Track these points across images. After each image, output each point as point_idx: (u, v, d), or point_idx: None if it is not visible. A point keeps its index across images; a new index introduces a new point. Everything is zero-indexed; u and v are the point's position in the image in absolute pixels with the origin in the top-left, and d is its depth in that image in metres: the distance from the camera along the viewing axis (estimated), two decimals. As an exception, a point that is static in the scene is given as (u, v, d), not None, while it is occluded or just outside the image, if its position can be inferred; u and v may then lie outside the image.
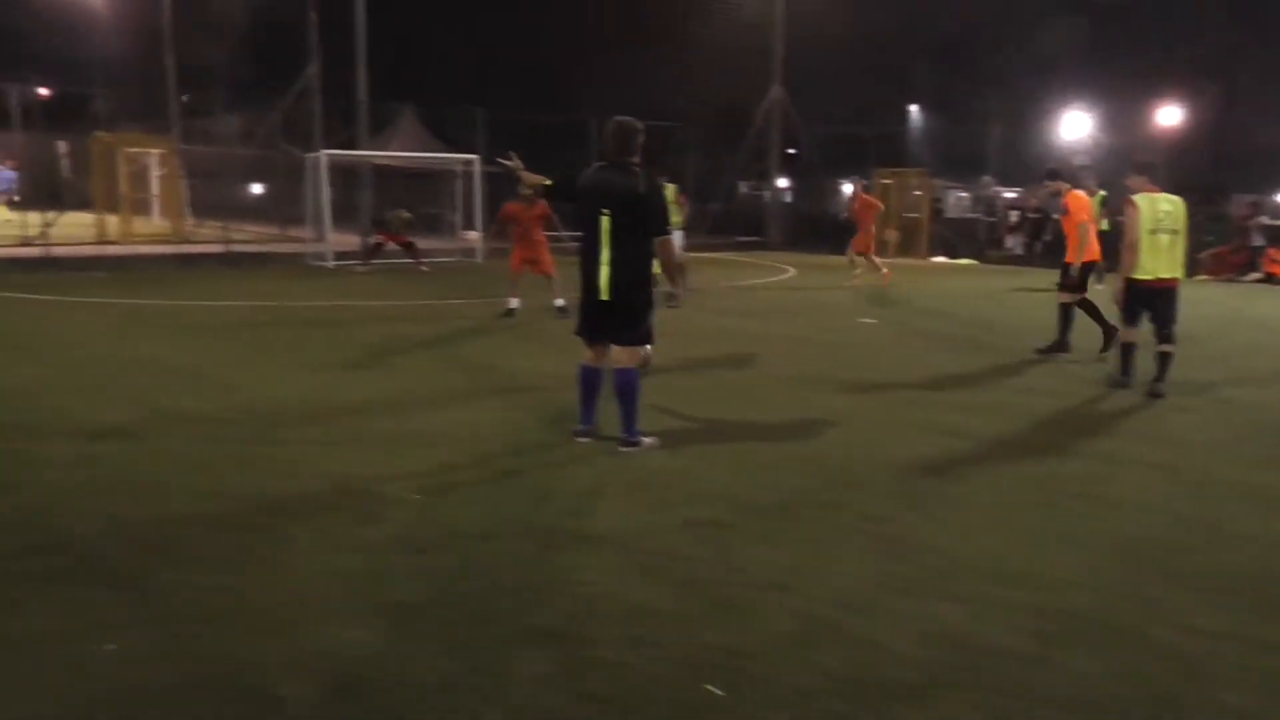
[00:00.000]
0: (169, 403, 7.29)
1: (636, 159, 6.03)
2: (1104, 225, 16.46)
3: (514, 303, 12.41)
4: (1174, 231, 8.18)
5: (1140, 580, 4.22)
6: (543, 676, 3.33)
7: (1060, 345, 10.02)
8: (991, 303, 15.55)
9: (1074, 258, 9.79)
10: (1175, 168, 28.88)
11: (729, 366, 9.33)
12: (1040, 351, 10.09)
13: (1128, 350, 8.44)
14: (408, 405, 7.39)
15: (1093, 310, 9.88)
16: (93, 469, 5.62)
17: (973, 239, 25.69)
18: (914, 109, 45.49)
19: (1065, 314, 10.02)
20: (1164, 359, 8.21)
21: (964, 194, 33.77)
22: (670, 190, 14.89)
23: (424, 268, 18.81)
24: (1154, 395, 8.06)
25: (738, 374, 8.97)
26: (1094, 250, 9.96)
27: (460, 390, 7.96)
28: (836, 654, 3.51)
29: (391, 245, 19.01)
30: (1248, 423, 7.31)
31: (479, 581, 4.10)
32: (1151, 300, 8.24)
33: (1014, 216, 25.20)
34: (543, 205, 12.24)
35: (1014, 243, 24.48)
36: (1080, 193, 10.18)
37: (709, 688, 3.27)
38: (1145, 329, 8.35)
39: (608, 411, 6.28)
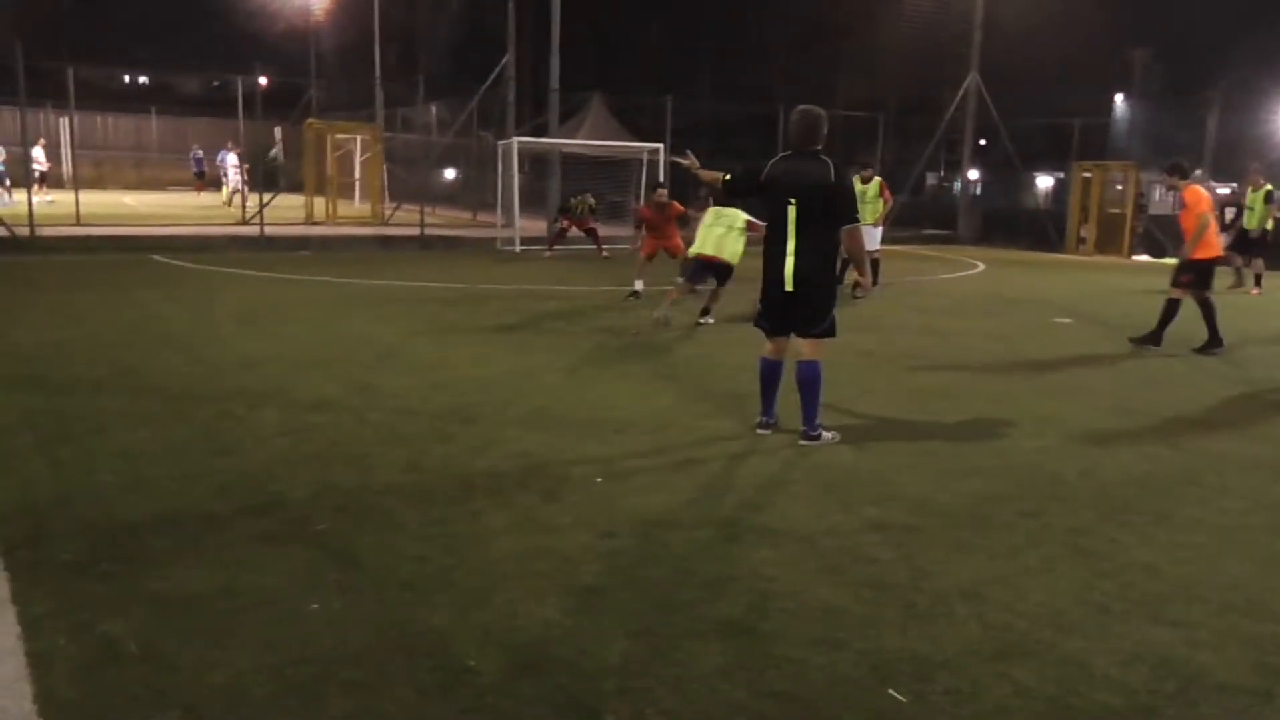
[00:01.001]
0: (374, 378, 7.66)
1: (821, 147, 5.96)
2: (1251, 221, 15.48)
3: (639, 285, 13.10)
4: None
5: (1382, 617, 3.83)
6: (723, 669, 3.31)
7: (1154, 338, 9.97)
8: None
9: (1200, 253, 9.75)
10: None
11: (918, 364, 9.06)
12: (1133, 341, 10.10)
13: (1205, 312, 8.75)
14: (591, 388, 7.52)
15: (1210, 312, 9.82)
16: (305, 438, 5.96)
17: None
18: (1120, 98, 42.97)
19: (1169, 308, 9.94)
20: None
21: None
22: (875, 184, 14.64)
23: (604, 253, 19.11)
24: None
25: (928, 372, 8.69)
26: (1213, 246, 9.88)
27: (644, 377, 8.04)
28: (1033, 670, 3.34)
29: (574, 231, 19.38)
30: None
31: (662, 569, 4.11)
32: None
33: (1229, 213, 23.41)
34: (676, 207, 13.22)
35: (1227, 241, 22.74)
36: (1198, 187, 9.99)
37: (893, 693, 3.18)
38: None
39: (792, 404, 6.19)
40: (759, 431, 6.26)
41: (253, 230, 19.84)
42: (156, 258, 16.37)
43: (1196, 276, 9.85)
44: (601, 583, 3.97)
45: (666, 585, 3.96)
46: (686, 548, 4.36)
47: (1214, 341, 9.83)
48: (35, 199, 20.33)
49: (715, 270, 10.72)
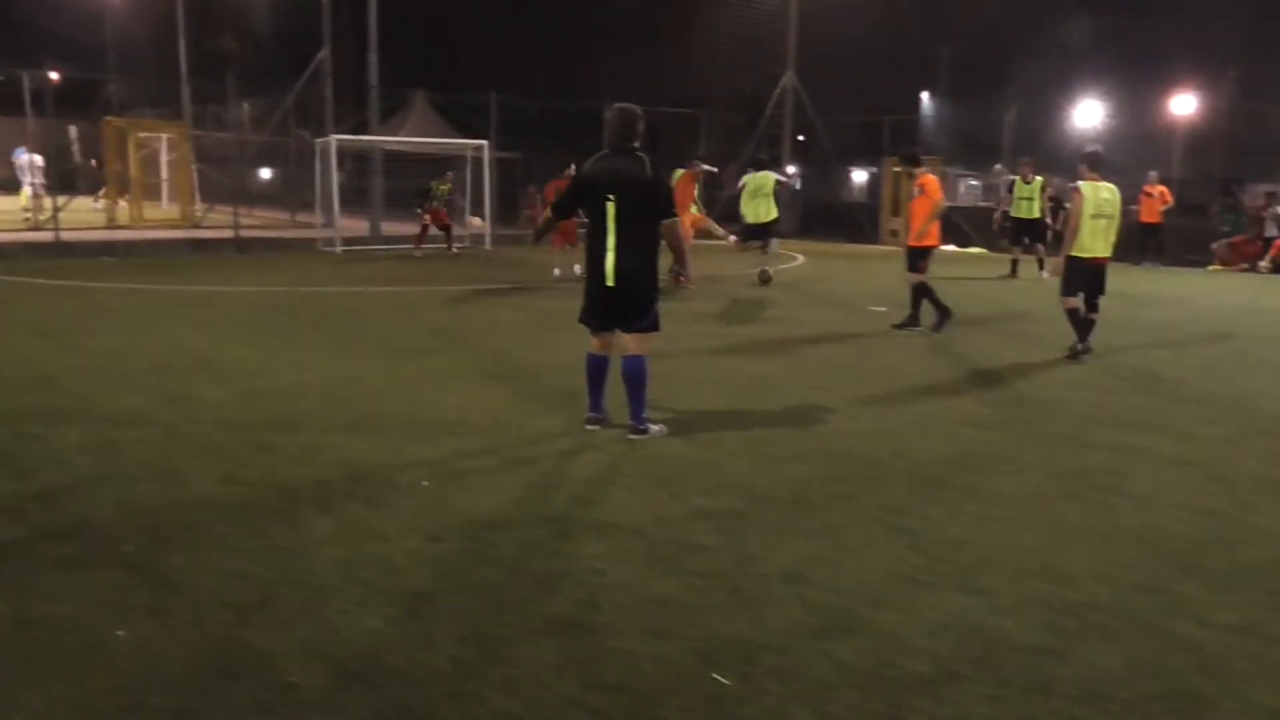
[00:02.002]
0: (187, 388, 7.30)
1: (638, 144, 6.06)
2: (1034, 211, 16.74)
3: (557, 272, 14.96)
4: (1110, 217, 9.28)
5: (1160, 574, 4.18)
6: (554, 665, 3.32)
7: (912, 320, 10.77)
8: (1000, 291, 15.48)
9: (915, 240, 10.51)
10: (1190, 157, 28.71)
11: (742, 355, 9.30)
12: (895, 326, 10.84)
13: (1075, 315, 9.42)
14: (419, 391, 7.39)
15: (929, 293, 10.60)
16: (111, 455, 5.63)
17: (985, 227, 25.56)
18: (926, 96, 45.24)
19: (918, 292, 10.68)
20: (1089, 325, 9.41)
21: (975, 182, 33.56)
22: (769, 179, 15.15)
23: (454, 251, 19.08)
24: (1081, 354, 9.28)
25: (752, 363, 8.93)
26: (935, 235, 10.60)
27: (471, 376, 7.95)
28: (852, 646, 3.49)
29: (432, 227, 19.25)
30: (1263, 416, 7.26)
31: (493, 570, 4.09)
32: (1089, 276, 9.32)
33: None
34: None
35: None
36: (934, 176, 10.75)
37: (717, 677, 3.26)
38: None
39: (622, 399, 6.26)
40: (588, 428, 6.30)
41: (47, 236, 18.56)
42: (-62, 267, 15.10)
43: (926, 260, 10.59)
44: (431, 588, 3.91)
45: (497, 586, 3.94)
46: (517, 547, 4.34)
47: (944, 317, 10.60)
48: None
49: (761, 231, 14.32)
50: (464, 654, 3.38)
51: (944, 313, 10.62)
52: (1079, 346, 9.33)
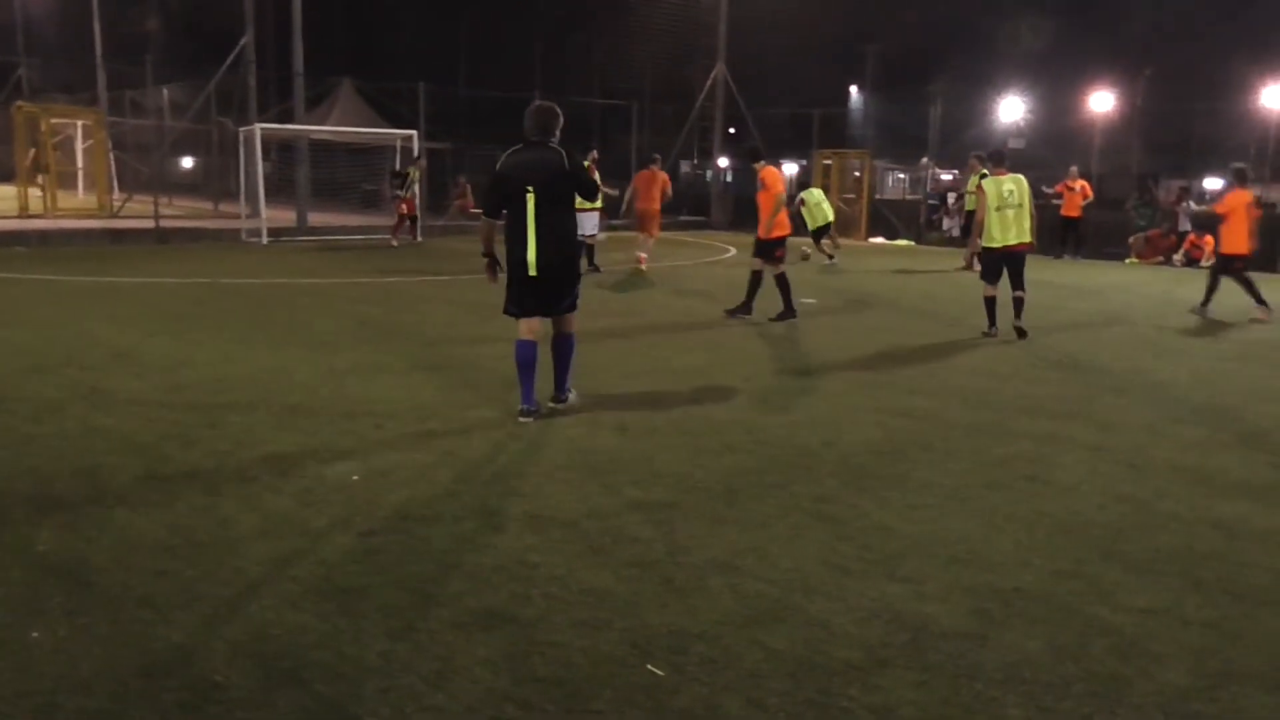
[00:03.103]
0: (105, 381, 7.10)
1: (556, 138, 6.31)
2: (971, 204, 17.15)
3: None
4: (1019, 206, 9.91)
5: (1081, 560, 4.30)
6: (486, 659, 3.29)
7: (745, 308, 10.93)
8: (928, 283, 15.75)
9: (764, 232, 10.65)
10: (1108, 153, 29.46)
11: (674, 347, 9.33)
12: (727, 312, 11.00)
13: (991, 303, 10.11)
14: (348, 383, 7.27)
15: (785, 285, 10.75)
16: (23, 451, 5.44)
17: (912, 220, 25.99)
18: (854, 90, 45.79)
19: (754, 280, 10.88)
20: (1019, 302, 10.07)
21: (902, 175, 34.12)
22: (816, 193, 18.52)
23: (395, 243, 19.03)
24: (1020, 332, 9.98)
25: (683, 354, 8.97)
26: (785, 225, 10.79)
27: (401, 368, 7.86)
28: (782, 634, 3.52)
29: (405, 215, 19.28)
30: (1178, 404, 7.49)
31: (423, 564, 4.04)
32: (1005, 262, 10.00)
33: (951, 198, 25.52)
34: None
35: (951, 224, 24.76)
36: (775, 169, 11.03)
37: (651, 668, 3.27)
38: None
39: (547, 390, 6.23)
40: (521, 420, 6.28)
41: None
42: None
43: (780, 251, 10.76)
44: (361, 583, 3.85)
45: (428, 580, 3.90)
46: (449, 540, 4.31)
47: (787, 313, 10.76)
48: None
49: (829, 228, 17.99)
50: (395, 648, 3.34)
51: (788, 308, 10.81)
52: (988, 331, 10.09)
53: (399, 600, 3.71)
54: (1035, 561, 4.25)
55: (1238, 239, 12.01)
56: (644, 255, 15.54)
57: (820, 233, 18.08)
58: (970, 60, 37.16)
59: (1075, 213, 20.64)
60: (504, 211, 6.34)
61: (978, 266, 11.19)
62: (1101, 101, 29.96)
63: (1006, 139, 31.28)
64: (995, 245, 9.96)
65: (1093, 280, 16.54)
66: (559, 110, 6.33)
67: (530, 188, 6.13)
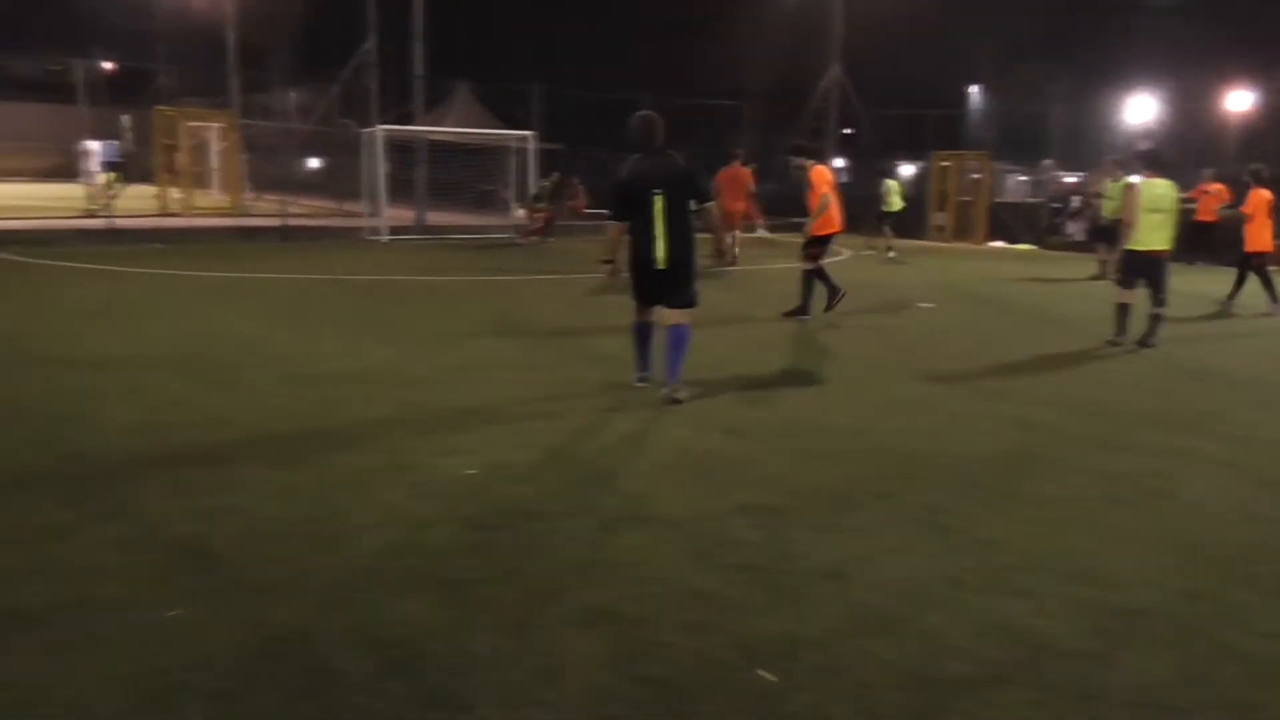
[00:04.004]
0: (232, 374, 7.40)
1: (665, 144, 6.90)
2: (1108, 209, 16.03)
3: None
4: (1168, 211, 9.57)
5: (1211, 581, 4.10)
6: (597, 657, 3.32)
7: (802, 309, 10.84)
8: (1049, 289, 15.26)
9: (817, 230, 10.69)
10: (1246, 153, 28.08)
11: (788, 350, 9.25)
12: (785, 315, 10.85)
13: (1124, 310, 9.74)
14: (466, 380, 7.43)
15: (825, 279, 10.78)
16: (159, 439, 5.71)
17: (1033, 224, 25.22)
18: (974, 90, 44.66)
19: (807, 281, 10.81)
20: (1156, 320, 9.68)
21: (1024, 177, 33.11)
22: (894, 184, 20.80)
23: (520, 243, 19.55)
24: (1144, 346, 9.56)
25: (795, 356, 8.89)
26: (834, 222, 10.75)
27: (513, 365, 7.98)
28: (893, 645, 3.46)
29: (548, 221, 20.29)
30: (1320, 419, 7.10)
31: (535, 560, 4.10)
32: (1148, 268, 9.65)
33: (1075, 201, 24.62)
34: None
35: (1075, 229, 23.89)
36: (823, 167, 10.98)
37: (762, 673, 3.24)
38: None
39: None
40: (636, 384, 7.09)
41: (100, 223, 18.87)
42: (-7, 251, 15.42)
43: (820, 250, 10.78)
44: (471, 576, 3.93)
45: (540, 576, 3.95)
46: (561, 538, 4.35)
47: (803, 309, 10.78)
48: None
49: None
50: (504, 642, 3.39)
51: (832, 294, 10.87)
52: (1117, 339, 9.70)
53: (508, 594, 3.77)
54: (1160, 580, 4.08)
55: (1260, 237, 12.92)
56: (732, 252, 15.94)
57: (885, 217, 20.19)
58: (1096, 58, 35.85)
59: (1210, 217, 19.71)
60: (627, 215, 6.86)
61: (1114, 275, 10.72)
62: (1239, 100, 28.57)
63: (1135, 140, 30.09)
64: (1140, 248, 9.58)
65: (1227, 288, 15.76)
66: (659, 119, 6.90)
67: (658, 191, 6.71)
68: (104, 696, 3.00)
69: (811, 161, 10.93)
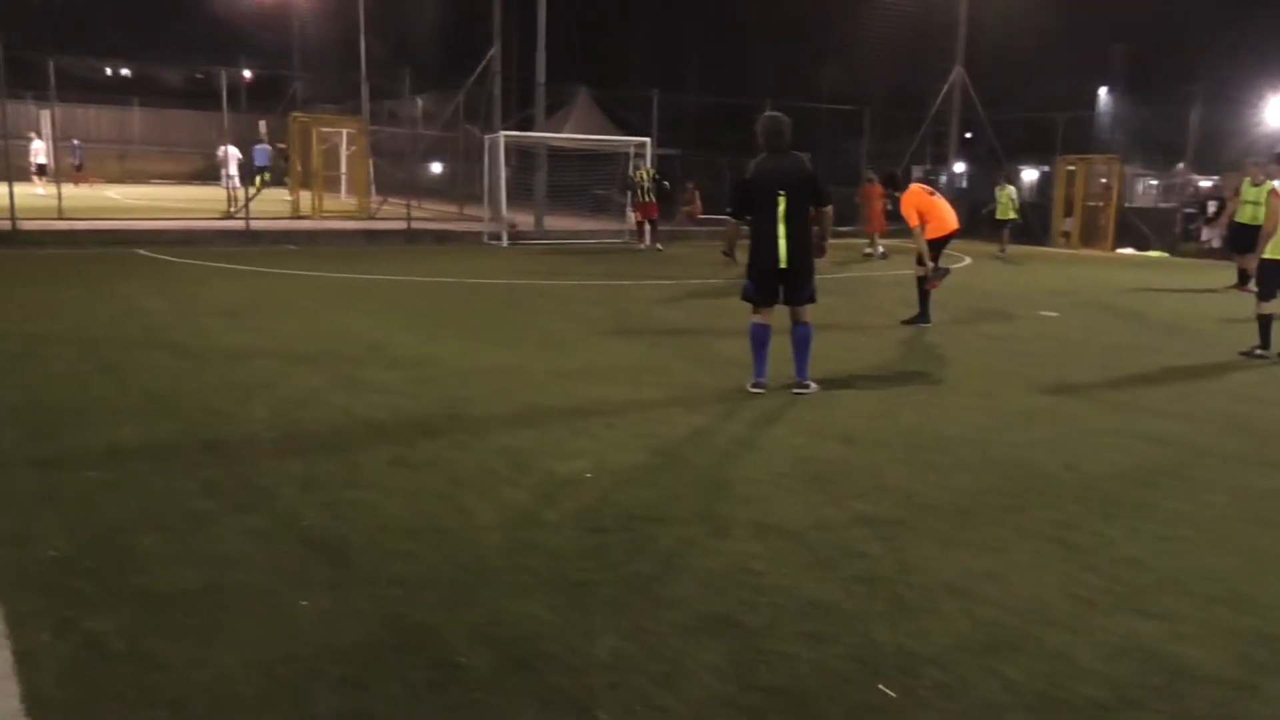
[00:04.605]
0: (359, 372, 7.65)
1: (790, 144, 7.05)
2: (1247, 214, 14.83)
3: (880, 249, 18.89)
4: None
5: (1364, 610, 3.87)
6: (712, 664, 3.31)
7: (922, 316, 10.86)
8: (1182, 298, 14.60)
9: (930, 235, 10.63)
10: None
11: (910, 358, 9.09)
12: (904, 323, 10.87)
13: (1266, 321, 9.29)
14: (584, 383, 7.51)
15: (925, 293, 10.82)
16: (292, 433, 5.94)
17: (1165, 230, 24.19)
18: (1104, 92, 43.08)
19: (922, 287, 10.80)
20: None
21: (1154, 181, 31.76)
22: (1010, 191, 21.70)
23: (642, 247, 19.58)
24: (1259, 357, 9.18)
25: (921, 366, 8.73)
26: (946, 225, 10.69)
27: (631, 370, 8.04)
28: (1020, 665, 3.36)
29: (641, 221, 20.03)
30: None
31: (653, 565, 4.12)
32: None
33: (1212, 207, 23.48)
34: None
35: (1210, 235, 22.77)
36: (909, 194, 10.83)
37: (883, 688, 3.19)
38: None
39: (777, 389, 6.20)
40: (752, 390, 7.15)
41: (238, 224, 19.74)
42: (141, 252, 16.27)
43: (936, 255, 10.69)
44: (590, 578, 3.97)
45: (656, 581, 3.97)
46: (675, 543, 4.37)
47: (921, 314, 10.84)
48: (41, 190, 20.28)
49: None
50: (623, 646, 3.42)
51: (923, 311, 10.86)
52: (1259, 351, 9.30)
53: (627, 598, 3.80)
54: (1310, 609, 3.86)
55: None
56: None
57: (1000, 225, 21.24)
58: (1234, 58, 34.15)
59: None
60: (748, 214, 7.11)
61: (1254, 285, 10.16)
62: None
63: (1276, 144, 28.53)
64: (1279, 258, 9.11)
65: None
66: (787, 121, 7.03)
67: (782, 191, 6.88)
68: (241, 680, 3.13)
69: (897, 193, 11.18)
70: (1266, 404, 7.56)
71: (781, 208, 6.88)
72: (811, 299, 7.17)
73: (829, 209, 7.30)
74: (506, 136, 21.38)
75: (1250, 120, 32.39)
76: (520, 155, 25.64)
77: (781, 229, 6.90)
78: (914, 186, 11.08)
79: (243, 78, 23.24)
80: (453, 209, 25.92)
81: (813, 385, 7.23)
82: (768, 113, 7.15)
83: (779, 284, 7.07)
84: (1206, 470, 5.72)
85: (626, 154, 22.76)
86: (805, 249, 7.01)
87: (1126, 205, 25.60)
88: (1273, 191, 9.26)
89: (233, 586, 3.80)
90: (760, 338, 7.23)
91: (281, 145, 27.65)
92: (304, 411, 6.45)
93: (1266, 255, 9.19)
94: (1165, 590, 3.99)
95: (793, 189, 6.90)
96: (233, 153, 25.48)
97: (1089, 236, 24.77)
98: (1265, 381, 8.43)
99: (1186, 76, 30.28)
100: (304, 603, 3.66)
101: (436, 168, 32.45)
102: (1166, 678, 3.29)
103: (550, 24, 22.41)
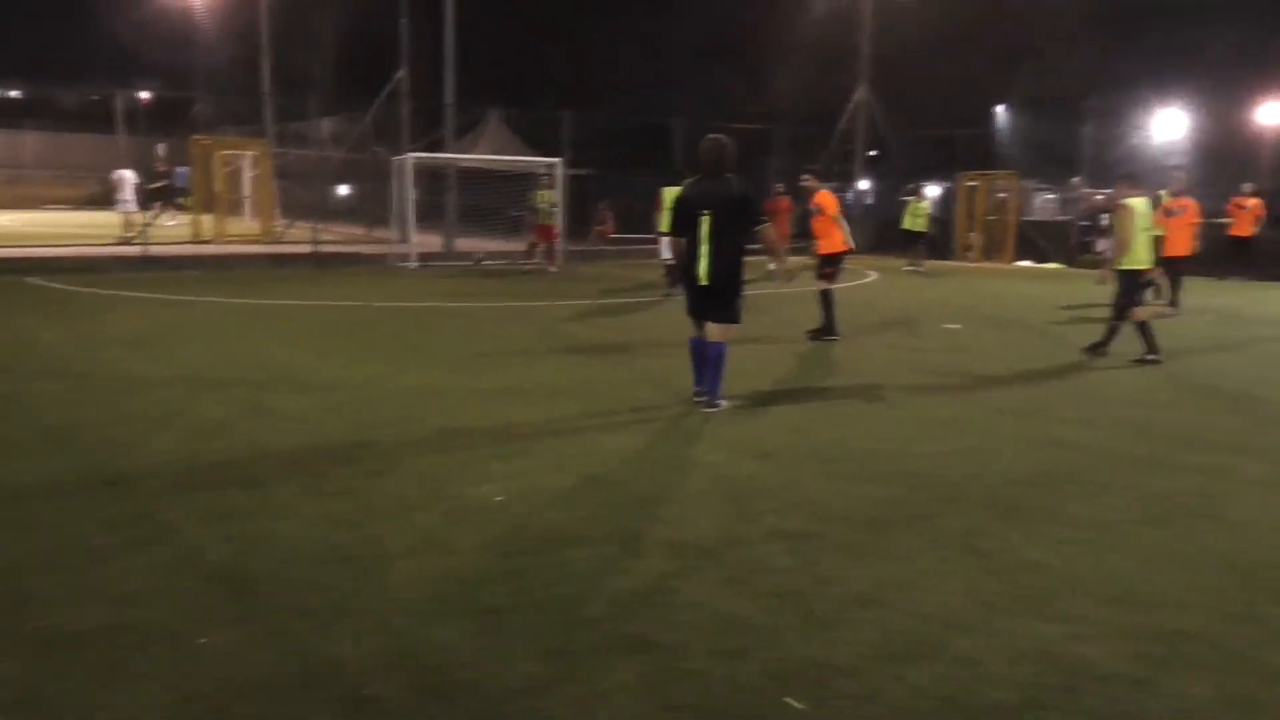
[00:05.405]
0: (269, 400, 7.48)
1: (728, 169, 7.19)
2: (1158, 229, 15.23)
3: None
4: (1151, 229, 9.92)
5: (1252, 603, 4.05)
6: (627, 684, 3.31)
7: (828, 329, 11.04)
8: (1074, 310, 15.12)
9: (825, 250, 11.15)
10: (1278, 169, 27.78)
11: (819, 372, 9.23)
12: (810, 333, 11.12)
13: (1144, 328, 9.76)
14: (499, 405, 7.46)
15: (828, 302, 11.04)
16: (198, 464, 5.78)
17: (1062, 242, 25.04)
18: (1000, 109, 44.45)
19: (825, 299, 11.06)
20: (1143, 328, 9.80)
21: (1051, 195, 32.86)
22: (925, 205, 22.57)
23: (552, 269, 19.45)
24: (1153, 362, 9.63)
25: (828, 379, 8.87)
26: (837, 243, 11.16)
27: (544, 391, 8.01)
28: (928, 671, 3.43)
29: (538, 243, 19.79)
30: (1362, 439, 6.98)
31: (567, 587, 4.10)
32: (1143, 287, 10.04)
33: (1105, 219, 24.36)
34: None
35: (1105, 246, 23.60)
36: (828, 191, 11.45)
37: (790, 700, 3.23)
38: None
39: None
40: (695, 400, 7.42)
41: (136, 250, 19.17)
42: (34, 280, 15.68)
43: (834, 270, 11.20)
44: (504, 603, 3.94)
45: (570, 603, 3.95)
46: (590, 564, 4.36)
47: (827, 329, 11.03)
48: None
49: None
50: (538, 670, 3.40)
51: (829, 326, 11.06)
52: (1149, 356, 9.70)
53: (542, 622, 3.78)
54: (1201, 603, 4.02)
55: None
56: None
57: (913, 238, 21.88)
58: (1124, 74, 35.60)
59: (1246, 232, 19.49)
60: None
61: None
62: (1272, 114, 28.29)
63: (1165, 156, 29.79)
64: (1140, 268, 9.86)
65: (1265, 305, 15.59)
66: (729, 144, 7.19)
67: (705, 211, 7.09)
68: (144, 723, 3.03)
69: (817, 185, 11.60)
70: (1159, 407, 7.87)
71: (705, 228, 7.09)
72: (732, 320, 7.26)
73: (762, 228, 7.42)
74: (415, 158, 21.19)
75: (1139, 133, 33.77)
76: (431, 177, 25.42)
77: (704, 248, 7.11)
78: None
79: (140, 100, 22.58)
80: (361, 232, 25.56)
81: (723, 403, 7.32)
82: (711, 136, 7.27)
83: (703, 300, 7.29)
84: (1104, 473, 5.92)
85: (539, 174, 22.74)
86: (731, 269, 7.14)
87: (1025, 219, 26.42)
88: (1120, 207, 9.74)
89: (133, 625, 3.67)
90: (696, 352, 7.46)
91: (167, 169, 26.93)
92: (210, 442, 6.29)
93: (1130, 267, 9.66)
94: (1065, 592, 4.12)
95: (718, 210, 7.08)
96: (128, 177, 24.74)
97: (991, 250, 25.51)
98: (1156, 386, 8.77)
99: (1081, 91, 31.46)
100: (202, 640, 3.56)
101: (344, 190, 31.99)
102: (1067, 678, 3.40)
103: (459, 44, 22.30)
